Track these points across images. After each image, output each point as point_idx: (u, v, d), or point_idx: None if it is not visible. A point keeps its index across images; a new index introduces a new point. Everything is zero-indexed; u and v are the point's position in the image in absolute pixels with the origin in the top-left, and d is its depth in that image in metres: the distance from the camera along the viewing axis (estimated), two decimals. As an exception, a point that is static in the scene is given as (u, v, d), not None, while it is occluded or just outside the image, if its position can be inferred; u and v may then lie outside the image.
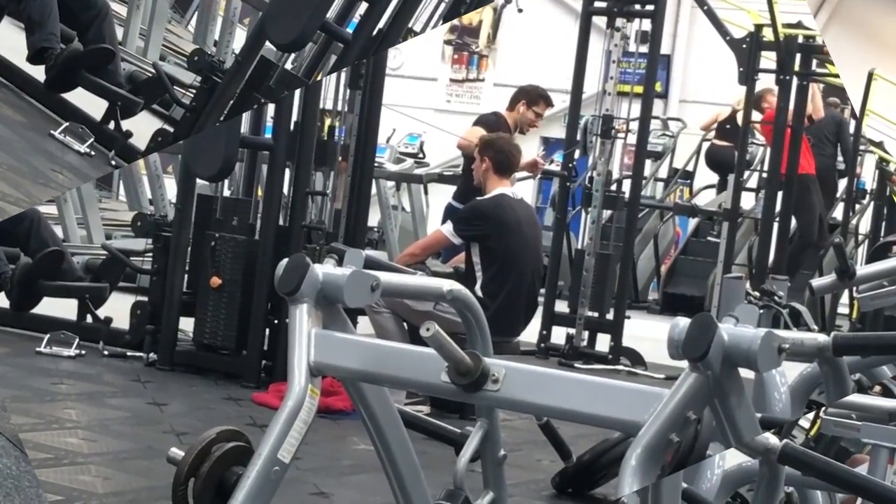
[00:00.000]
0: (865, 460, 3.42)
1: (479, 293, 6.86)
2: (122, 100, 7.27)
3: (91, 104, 7.26)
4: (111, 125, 7.23)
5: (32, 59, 7.10)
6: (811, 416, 4.38)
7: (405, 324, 6.94)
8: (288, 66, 7.46)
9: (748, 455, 2.68)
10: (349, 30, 7.27)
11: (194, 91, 7.20)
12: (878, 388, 3.51)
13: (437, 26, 9.03)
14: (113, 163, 7.13)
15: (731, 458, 3.00)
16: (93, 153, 6.94)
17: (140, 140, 7.23)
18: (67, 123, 7.01)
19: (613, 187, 10.22)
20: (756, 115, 12.08)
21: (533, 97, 9.33)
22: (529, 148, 15.42)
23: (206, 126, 7.08)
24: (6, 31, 7.56)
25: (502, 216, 7.23)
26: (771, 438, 2.49)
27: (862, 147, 13.05)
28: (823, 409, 3.22)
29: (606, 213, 10.22)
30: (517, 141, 8.20)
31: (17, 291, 7.50)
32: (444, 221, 8.53)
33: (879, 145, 13.09)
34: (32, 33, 7.09)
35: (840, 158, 13.67)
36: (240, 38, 10.29)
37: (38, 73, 7.19)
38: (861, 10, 17.99)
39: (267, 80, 7.07)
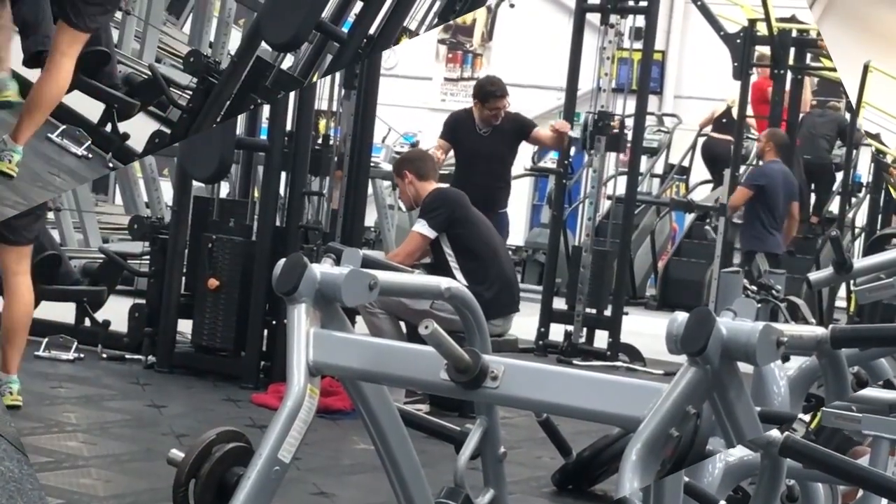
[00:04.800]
0: (866, 452, 3.42)
1: (464, 281, 6.83)
2: (118, 102, 7.26)
3: (87, 107, 7.25)
4: (108, 127, 7.23)
5: (28, 62, 7.09)
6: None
7: (402, 323, 6.95)
8: (284, 66, 7.46)
9: (750, 448, 2.68)
10: (344, 29, 7.27)
11: (190, 92, 7.20)
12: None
13: (432, 27, 9.02)
14: (110, 165, 7.13)
15: (732, 452, 3.00)
16: (90, 156, 6.93)
17: (137, 142, 7.22)
18: (64, 126, 7.00)
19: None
20: (751, 110, 12.09)
21: (481, 95, 9.22)
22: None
23: (202, 127, 7.08)
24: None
25: (463, 201, 7.33)
26: (772, 431, 2.49)
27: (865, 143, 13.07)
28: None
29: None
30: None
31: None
32: None
33: (876, 137, 13.10)
34: (27, 37, 7.08)
35: (836, 153, 13.73)
36: (235, 39, 10.27)
37: (34, 76, 7.16)
38: (856, 2, 17.97)
39: (263, 81, 7.07)
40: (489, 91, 9.14)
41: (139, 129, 7.46)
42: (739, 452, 2.93)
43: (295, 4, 6.61)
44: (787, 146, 11.36)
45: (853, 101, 12.03)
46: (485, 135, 9.10)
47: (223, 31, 11.12)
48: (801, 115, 12.26)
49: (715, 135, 14.92)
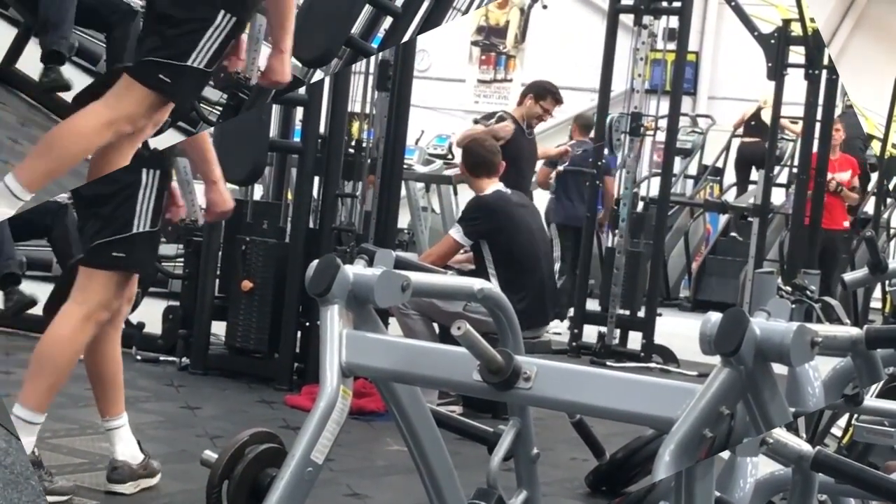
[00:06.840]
0: (900, 467, 3.39)
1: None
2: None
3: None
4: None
5: (46, 59, 7.07)
6: (843, 423, 4.37)
7: (435, 325, 6.95)
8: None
9: (781, 463, 2.66)
10: (374, 44, 7.28)
11: (220, 108, 7.21)
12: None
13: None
14: None
15: (763, 467, 2.98)
16: None
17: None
18: None
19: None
20: (784, 111, 12.04)
21: (540, 91, 9.31)
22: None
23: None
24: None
25: (507, 209, 7.25)
26: (804, 446, 2.48)
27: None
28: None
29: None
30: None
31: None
32: None
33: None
34: (46, 33, 7.07)
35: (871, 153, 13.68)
36: (265, 55, 10.29)
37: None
38: (887, 15, 17.90)
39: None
40: (551, 90, 9.25)
41: (169, 144, 7.46)
42: (770, 467, 2.91)
43: (325, 21, 6.62)
44: (591, 126, 11.44)
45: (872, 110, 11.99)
46: (530, 137, 9.17)
47: (253, 47, 11.13)
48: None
49: (746, 139, 14.92)
